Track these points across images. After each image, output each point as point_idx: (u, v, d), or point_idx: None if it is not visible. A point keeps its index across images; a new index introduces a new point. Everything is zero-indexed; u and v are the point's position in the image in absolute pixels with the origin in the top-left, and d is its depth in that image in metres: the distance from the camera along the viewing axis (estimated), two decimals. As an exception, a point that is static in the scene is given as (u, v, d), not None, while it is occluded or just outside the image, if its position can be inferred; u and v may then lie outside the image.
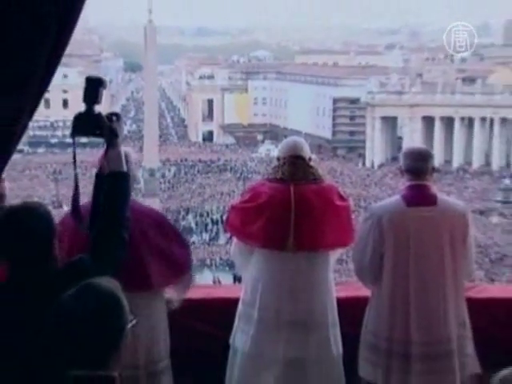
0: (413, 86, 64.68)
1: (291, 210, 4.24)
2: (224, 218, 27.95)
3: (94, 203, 3.10)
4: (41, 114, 58.27)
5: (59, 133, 66.98)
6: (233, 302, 4.51)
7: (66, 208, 25.44)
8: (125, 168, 3.10)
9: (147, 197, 37.77)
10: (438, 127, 62.45)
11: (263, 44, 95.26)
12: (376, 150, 63.78)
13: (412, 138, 58.73)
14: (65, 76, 61.98)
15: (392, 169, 53.93)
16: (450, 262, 4.21)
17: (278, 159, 4.41)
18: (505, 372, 2.40)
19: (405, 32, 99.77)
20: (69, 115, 46.05)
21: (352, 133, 68.23)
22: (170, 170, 59.38)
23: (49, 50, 3.15)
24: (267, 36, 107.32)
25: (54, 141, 67.08)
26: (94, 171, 3.24)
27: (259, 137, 73.41)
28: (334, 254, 4.49)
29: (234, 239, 4.59)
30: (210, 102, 75.14)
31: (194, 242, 42.38)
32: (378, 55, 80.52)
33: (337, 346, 4.38)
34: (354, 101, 67.24)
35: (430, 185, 4.29)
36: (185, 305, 4.44)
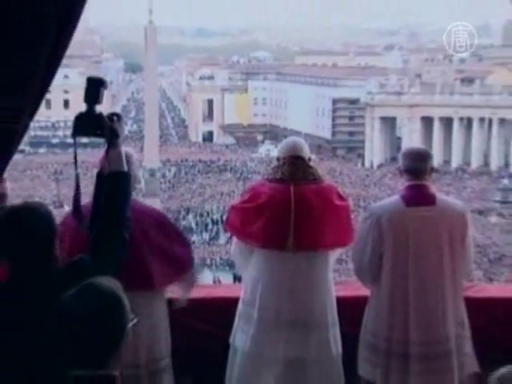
0: (412, 87, 64.79)
1: (291, 210, 4.24)
2: (224, 217, 27.62)
3: (95, 203, 3.10)
4: (42, 115, 58.01)
5: (60, 133, 67.01)
6: (233, 302, 4.51)
7: (67, 208, 25.18)
8: (125, 168, 3.10)
9: (148, 197, 37.77)
10: (436, 127, 62.52)
11: (263, 45, 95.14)
12: (375, 150, 63.85)
13: (411, 139, 58.77)
14: (66, 76, 62.17)
15: (391, 169, 54.13)
16: (448, 261, 4.21)
17: (278, 159, 4.42)
18: (503, 370, 2.40)
19: (404, 33, 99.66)
20: (70, 115, 45.94)
21: (351, 133, 68.27)
22: (170, 170, 59.46)
23: (49, 51, 3.21)
24: (267, 37, 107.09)
25: (55, 141, 67.13)
26: (95, 171, 3.25)
27: (259, 137, 73.40)
28: (334, 254, 4.49)
29: (234, 239, 4.58)
30: (210, 103, 75.15)
31: (194, 242, 42.27)
32: (378, 56, 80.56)
33: (336, 346, 4.39)
34: (354, 101, 67.30)
35: (428, 185, 4.29)
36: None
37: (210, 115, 75.07)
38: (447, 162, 60.91)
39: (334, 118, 69.47)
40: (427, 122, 62.63)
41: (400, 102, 63.23)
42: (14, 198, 3.94)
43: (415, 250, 4.18)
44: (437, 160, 51.28)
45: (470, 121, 61.89)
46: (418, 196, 4.24)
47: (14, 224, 2.75)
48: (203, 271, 37.76)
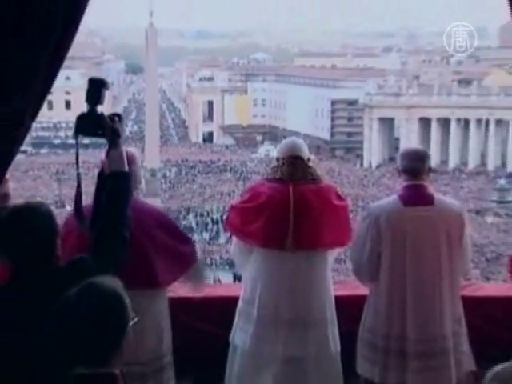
0: (410, 88, 64.74)
1: (290, 210, 4.25)
2: (224, 217, 27.40)
3: (96, 203, 3.10)
4: (44, 116, 58.11)
5: (62, 134, 66.92)
6: (233, 301, 4.50)
7: (69, 208, 25.15)
8: (126, 168, 3.08)
9: (148, 197, 37.58)
10: (434, 128, 62.51)
11: (262, 46, 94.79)
12: (373, 150, 63.79)
13: (409, 139, 58.77)
14: (67, 78, 61.96)
15: (389, 169, 54.16)
16: (446, 261, 4.22)
17: (277, 160, 4.41)
18: (498, 368, 2.42)
19: (402, 35, 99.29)
20: (71, 116, 45.98)
21: (350, 134, 68.19)
22: (170, 171, 59.49)
23: (51, 52, 3.21)
24: (266, 39, 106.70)
25: (56, 141, 67.03)
26: (97, 171, 3.25)
27: (259, 138, 73.33)
28: (333, 253, 4.50)
29: (234, 238, 4.58)
30: (210, 104, 75.05)
31: (194, 242, 42.25)
32: (376, 57, 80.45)
33: (335, 344, 4.41)
34: (352, 102, 67.22)
35: (426, 185, 4.29)
36: (185, 303, 4.63)
37: (210, 116, 75.00)
38: (445, 162, 60.93)
39: (332, 119, 69.43)
40: (425, 122, 62.68)
41: (398, 103, 63.21)
42: (17, 198, 3.94)
43: (413, 250, 4.19)
44: (434, 160, 51.21)
45: (467, 121, 61.90)
46: (416, 196, 4.26)
47: (16, 224, 2.76)
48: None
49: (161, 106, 72.37)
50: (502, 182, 55.49)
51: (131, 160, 3.61)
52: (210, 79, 75.85)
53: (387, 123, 64.69)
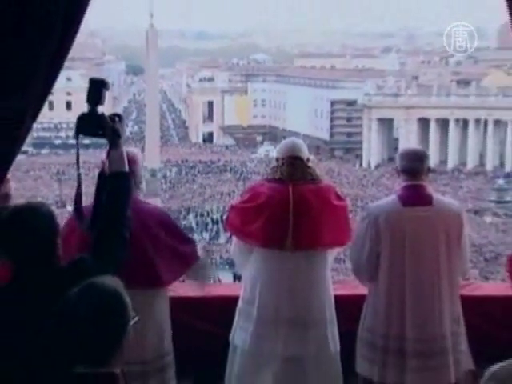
0: (409, 89, 64.72)
1: (290, 210, 4.26)
2: (224, 217, 27.20)
3: (96, 203, 3.11)
4: (45, 116, 57.31)
5: (63, 134, 66.89)
6: (233, 300, 4.52)
7: (70, 208, 25.32)
8: (127, 168, 3.08)
9: (149, 197, 37.36)
10: (433, 128, 62.49)
11: (262, 47, 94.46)
12: (373, 150, 63.72)
13: (408, 139, 58.68)
14: (68, 79, 61.87)
15: (388, 169, 54.20)
16: (445, 260, 4.23)
17: (277, 160, 4.42)
18: (495, 367, 2.41)
19: (401, 36, 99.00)
20: (72, 117, 46.13)
21: (349, 134, 68.18)
22: (171, 171, 59.53)
23: (52, 53, 3.23)
24: (266, 39, 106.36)
25: (57, 142, 66.96)
26: (97, 172, 3.25)
27: (258, 138, 73.27)
28: (332, 253, 4.50)
29: (234, 238, 4.59)
30: (211, 104, 74.98)
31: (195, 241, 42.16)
32: (375, 58, 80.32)
33: (334, 343, 4.42)
34: (351, 103, 67.26)
35: (425, 185, 4.30)
36: (185, 303, 4.69)
37: (210, 116, 74.95)
38: (443, 162, 60.90)
39: (332, 120, 69.35)
40: (424, 123, 62.66)
41: (397, 103, 63.20)
42: (18, 198, 3.97)
43: (412, 250, 4.20)
44: (433, 160, 51.21)
45: (465, 122, 61.91)
46: (415, 196, 4.27)
47: (17, 224, 2.76)
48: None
49: (161, 106, 72.31)
50: (501, 182, 55.61)
51: (133, 160, 3.67)
52: (210, 80, 75.78)
53: (386, 123, 64.61)
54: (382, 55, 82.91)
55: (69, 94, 64.56)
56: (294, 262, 4.32)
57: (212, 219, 48.97)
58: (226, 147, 70.48)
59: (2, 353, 2.63)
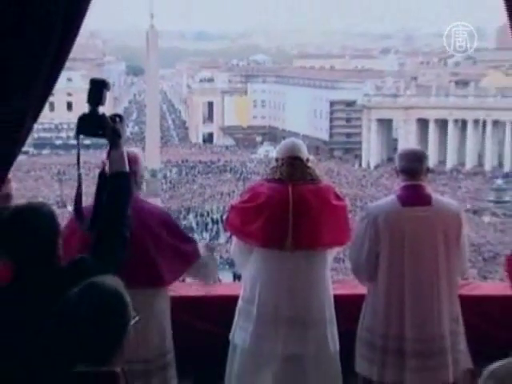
0: (408, 89, 64.83)
1: (289, 210, 4.26)
2: (224, 217, 25.79)
3: (96, 203, 3.10)
4: (45, 117, 57.50)
5: (63, 135, 66.88)
6: (232, 300, 4.52)
7: (70, 208, 25.35)
8: (127, 168, 3.07)
9: (149, 197, 37.16)
10: (432, 129, 62.54)
11: (262, 48, 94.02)
12: (372, 151, 63.81)
13: (407, 140, 58.73)
14: (69, 79, 61.87)
15: (387, 169, 54.20)
16: (444, 260, 4.23)
17: (277, 160, 4.43)
18: (494, 366, 2.41)
19: (400, 37, 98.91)
20: (73, 118, 46.00)
21: (348, 135, 68.23)
22: (171, 171, 59.67)
23: (53, 53, 3.23)
24: (266, 40, 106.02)
25: (58, 142, 66.91)
26: (98, 172, 3.23)
27: (258, 138, 73.29)
28: (332, 253, 4.50)
29: (234, 238, 4.58)
30: (211, 105, 75.01)
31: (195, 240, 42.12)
32: (374, 59, 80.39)
33: (334, 343, 4.42)
34: (351, 103, 67.34)
35: (424, 185, 4.30)
36: (186, 302, 4.68)
37: (210, 117, 74.98)
38: (442, 162, 61.00)
39: (331, 120, 69.39)
40: (423, 123, 62.72)
41: (396, 104, 63.28)
42: (19, 199, 3.98)
43: (411, 249, 4.21)
44: (432, 161, 51.07)
45: (464, 122, 61.96)
46: (414, 196, 4.27)
47: (18, 224, 2.76)
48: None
49: (161, 107, 72.17)
50: (499, 182, 55.76)
51: (134, 160, 3.70)
52: (210, 80, 75.79)
53: (385, 124, 64.67)
54: (381, 56, 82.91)
55: (69, 94, 64.62)
56: (293, 261, 4.33)
57: (212, 219, 49.07)
58: (226, 147, 70.53)
59: (2, 353, 2.63)
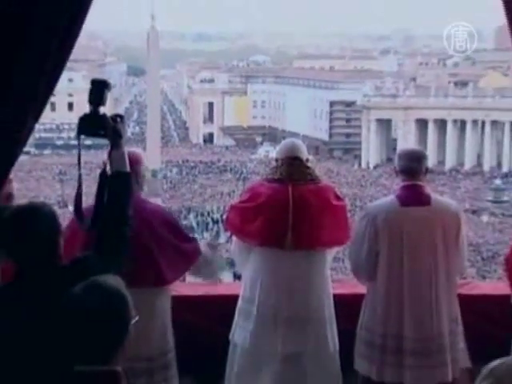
0: (407, 90, 64.79)
1: (289, 210, 4.28)
2: (224, 217, 26.98)
3: (97, 202, 3.09)
4: (47, 117, 57.61)
5: (64, 135, 66.56)
6: (232, 299, 4.53)
7: (71, 208, 25.70)
8: (128, 168, 3.08)
9: (150, 197, 37.16)
10: (431, 129, 62.48)
11: (262, 49, 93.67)
12: (371, 151, 63.72)
13: (406, 140, 58.68)
14: (70, 80, 61.46)
15: (387, 169, 54.16)
16: (443, 260, 4.25)
17: (277, 160, 4.46)
18: (493, 364, 2.41)
19: (399, 38, 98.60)
20: (74, 118, 45.83)
21: (348, 135, 68.18)
22: (171, 171, 59.69)
23: (55, 54, 3.25)
24: (266, 41, 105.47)
25: (59, 143, 66.62)
26: (99, 172, 3.22)
27: (258, 139, 73.04)
28: (331, 252, 4.52)
29: (234, 238, 4.59)
30: (211, 105, 74.86)
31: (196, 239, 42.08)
32: (373, 60, 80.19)
33: (333, 341, 4.44)
34: (350, 104, 67.20)
35: (423, 185, 4.31)
36: (186, 302, 4.68)
37: (210, 117, 74.83)
38: (441, 162, 60.98)
39: (331, 120, 69.35)
40: (422, 123, 62.68)
41: (395, 104, 63.17)
42: (20, 198, 3.96)
43: (410, 249, 4.23)
44: (431, 161, 50.50)
45: (463, 123, 61.95)
46: (413, 196, 4.29)
47: (19, 223, 2.77)
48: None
49: (162, 107, 71.82)
50: (498, 182, 55.73)
51: (137, 160, 3.74)
52: (211, 81, 75.61)
53: (385, 124, 64.62)
54: (381, 57, 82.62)
55: (71, 95, 64.40)
56: (293, 261, 4.35)
57: (212, 219, 49.13)
58: (226, 148, 70.44)
59: (3, 351, 2.64)
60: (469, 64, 70.66)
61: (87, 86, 3.07)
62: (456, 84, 65.54)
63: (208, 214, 50.30)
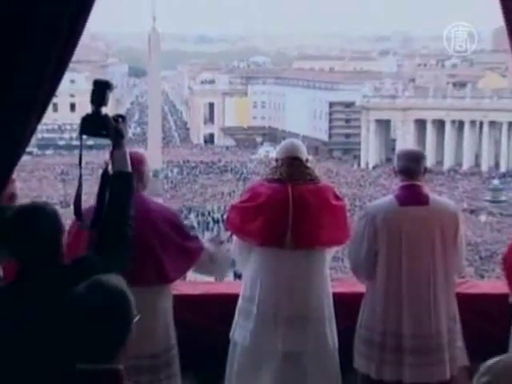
0: (406, 91, 64.93)
1: (289, 209, 4.27)
2: (225, 217, 26.66)
3: (99, 202, 3.07)
4: (49, 118, 57.97)
5: (67, 135, 66.63)
6: (233, 298, 4.53)
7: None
8: (129, 168, 3.07)
9: (151, 197, 38.06)
10: (429, 130, 62.58)
11: (262, 50, 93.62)
12: (370, 151, 63.82)
13: (405, 140, 58.66)
14: (72, 81, 61.78)
15: (386, 170, 54.28)
16: (441, 259, 4.25)
17: (277, 160, 4.45)
18: (491, 361, 2.42)
19: (398, 39, 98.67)
20: (76, 118, 45.74)
21: (347, 135, 68.26)
22: (172, 171, 59.88)
23: (57, 55, 3.26)
24: (266, 42, 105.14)
25: (61, 143, 66.77)
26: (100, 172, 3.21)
27: (258, 139, 73.15)
28: (331, 252, 4.53)
29: (234, 237, 4.56)
30: (211, 106, 75.01)
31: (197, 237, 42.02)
32: (373, 61, 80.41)
33: (333, 340, 4.44)
34: (350, 104, 67.31)
35: (422, 185, 4.30)
36: (186, 301, 4.70)
37: (211, 118, 74.93)
38: (440, 162, 61.09)
39: (330, 121, 69.46)
40: (420, 124, 62.83)
41: (394, 105, 63.33)
42: (23, 198, 3.96)
43: (409, 248, 4.23)
44: (430, 161, 50.50)
45: (461, 123, 62.07)
46: (412, 196, 4.28)
47: (22, 223, 2.76)
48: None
49: (163, 108, 71.65)
50: (496, 182, 55.90)
51: (140, 160, 3.75)
52: (211, 82, 75.70)
53: (384, 125, 64.69)
54: (380, 58, 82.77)
55: (72, 96, 64.48)
56: (293, 260, 4.35)
57: (213, 219, 49.31)
58: (227, 148, 70.55)
59: (5, 350, 2.65)
60: (467, 65, 70.93)
61: (89, 86, 3.06)
62: (454, 85, 65.68)
63: (209, 213, 50.49)
